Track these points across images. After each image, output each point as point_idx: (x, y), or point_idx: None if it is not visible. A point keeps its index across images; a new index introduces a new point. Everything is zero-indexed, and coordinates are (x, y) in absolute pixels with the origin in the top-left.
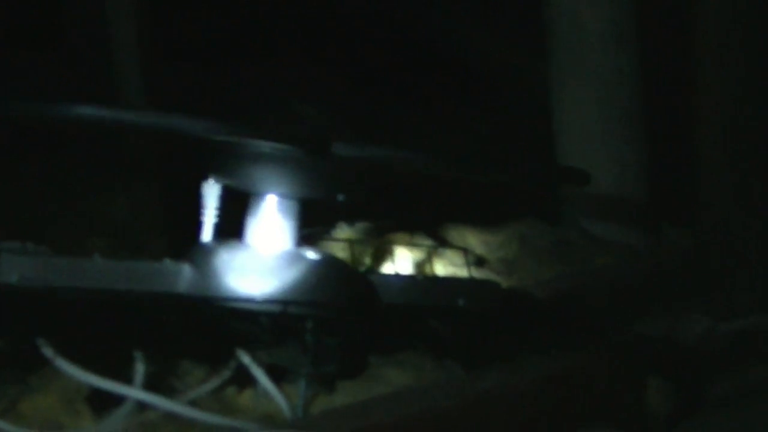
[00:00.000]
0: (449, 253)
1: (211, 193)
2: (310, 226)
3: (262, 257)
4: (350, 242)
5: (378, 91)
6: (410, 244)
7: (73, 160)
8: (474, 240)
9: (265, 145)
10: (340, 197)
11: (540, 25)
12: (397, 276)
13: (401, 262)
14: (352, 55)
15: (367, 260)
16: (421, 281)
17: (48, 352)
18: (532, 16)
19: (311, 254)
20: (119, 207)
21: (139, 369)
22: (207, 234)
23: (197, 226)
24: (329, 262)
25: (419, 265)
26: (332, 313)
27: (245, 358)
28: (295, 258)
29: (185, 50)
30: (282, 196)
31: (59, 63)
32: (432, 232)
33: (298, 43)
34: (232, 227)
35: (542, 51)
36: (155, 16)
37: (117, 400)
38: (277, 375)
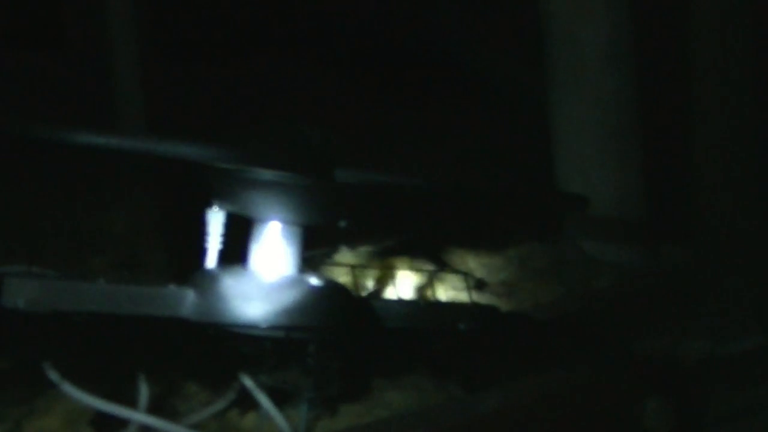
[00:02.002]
0: (451, 277)
1: (215, 220)
2: (312, 250)
3: (265, 283)
4: (352, 267)
5: (379, 95)
6: (412, 268)
7: (72, 175)
8: (474, 263)
9: (268, 173)
10: (342, 223)
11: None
12: (398, 301)
13: (403, 286)
14: (354, 57)
15: (369, 285)
16: (423, 306)
17: (54, 375)
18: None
19: (313, 280)
20: (118, 222)
21: (143, 392)
22: (211, 260)
23: (196, 242)
24: (331, 288)
25: (421, 289)
26: (334, 338)
27: (248, 382)
28: (298, 284)
29: (184, 50)
30: (285, 222)
31: (59, 63)
32: (433, 255)
33: (299, 45)
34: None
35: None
36: (156, 16)
37: (121, 422)
38: (280, 398)
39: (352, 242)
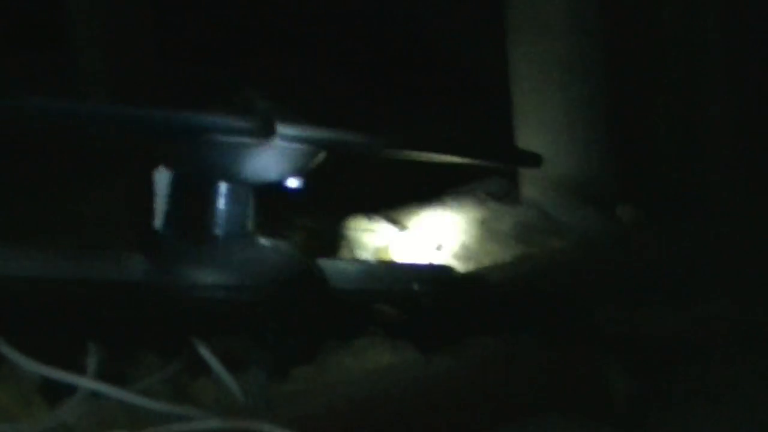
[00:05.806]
0: (408, 238)
1: (162, 181)
2: (268, 213)
3: (215, 244)
4: (307, 229)
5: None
6: (369, 230)
7: (41, 158)
8: (434, 225)
9: (213, 133)
10: (293, 182)
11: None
12: (351, 261)
13: (360, 248)
14: (345, 52)
15: (326, 247)
16: (375, 266)
17: None
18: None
19: (264, 241)
20: (88, 205)
21: (93, 359)
22: (159, 222)
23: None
24: (282, 249)
25: (378, 250)
26: (285, 301)
27: (199, 346)
28: (249, 245)
29: (181, 49)
30: (234, 182)
31: (58, 63)
32: (390, 215)
33: (294, 41)
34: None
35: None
36: (155, 15)
37: (71, 390)
38: (231, 363)
39: (310, 205)
